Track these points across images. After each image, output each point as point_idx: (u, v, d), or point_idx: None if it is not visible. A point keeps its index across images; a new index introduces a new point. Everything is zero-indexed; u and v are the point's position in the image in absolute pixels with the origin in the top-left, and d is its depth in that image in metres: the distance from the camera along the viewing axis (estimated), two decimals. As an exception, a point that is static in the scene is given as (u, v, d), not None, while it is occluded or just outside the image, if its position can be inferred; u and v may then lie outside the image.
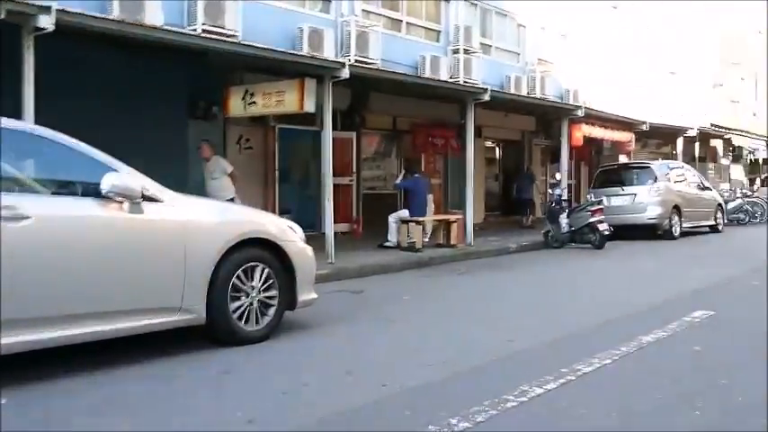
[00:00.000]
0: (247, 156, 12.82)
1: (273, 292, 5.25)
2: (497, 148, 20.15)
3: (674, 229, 14.37)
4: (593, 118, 16.05)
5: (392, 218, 12.13)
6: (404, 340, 5.39)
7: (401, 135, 16.21)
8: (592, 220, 12.50)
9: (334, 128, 13.32)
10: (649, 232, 14.40)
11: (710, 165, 26.51)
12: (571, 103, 15.27)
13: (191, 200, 5.18)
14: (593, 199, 14.76)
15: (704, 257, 11.22)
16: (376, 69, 12.40)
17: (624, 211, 14.08)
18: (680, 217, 14.55)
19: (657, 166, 14.86)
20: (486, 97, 12.60)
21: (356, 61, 12.31)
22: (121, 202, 4.46)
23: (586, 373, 4.29)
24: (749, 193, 20.33)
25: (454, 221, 12.34)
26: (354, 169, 14.83)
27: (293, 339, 5.34)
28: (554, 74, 19.01)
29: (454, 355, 4.79)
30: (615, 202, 14.16)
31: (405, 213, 11.99)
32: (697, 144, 22.31)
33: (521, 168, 19.26)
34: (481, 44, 16.95)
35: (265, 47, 9.86)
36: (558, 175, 14.36)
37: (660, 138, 22.55)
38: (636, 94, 21.01)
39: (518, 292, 8.11)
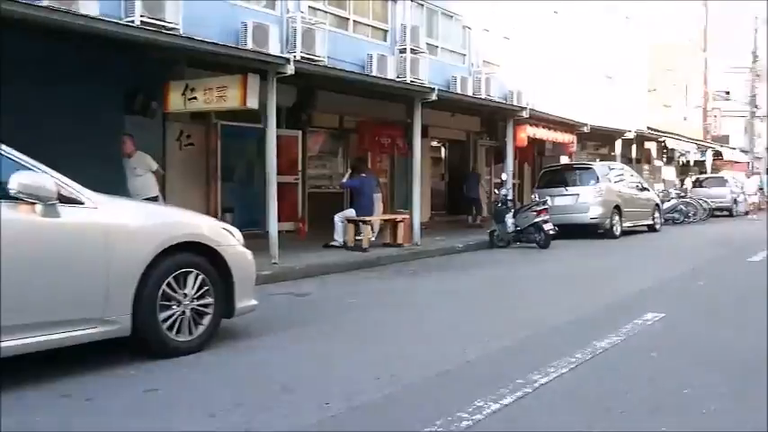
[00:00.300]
0: (188, 153, 12.17)
1: (208, 300, 4.77)
2: (443, 148, 19.93)
3: (614, 228, 14.39)
4: (537, 119, 15.97)
5: (338, 217, 11.70)
6: (349, 351, 4.96)
7: (348, 134, 15.78)
8: (537, 219, 12.34)
9: (279, 126, 12.82)
10: (591, 231, 14.39)
11: (645, 166, 26.99)
12: (515, 104, 15.12)
13: (116, 201, 4.64)
14: (537, 199, 14.66)
15: (646, 257, 11.19)
16: (322, 66, 11.95)
17: (568, 211, 14.02)
18: (620, 217, 14.58)
19: (599, 166, 14.87)
20: (434, 97, 12.29)
21: (302, 58, 11.82)
22: (34, 204, 3.90)
23: (543, 384, 3.96)
24: (682, 193, 20.71)
25: (401, 221, 11.99)
26: (300, 168, 14.32)
27: (230, 351, 4.85)
28: (499, 75, 18.90)
29: (403, 368, 4.39)
30: (559, 201, 14.08)
31: (351, 213, 11.57)
32: (634, 146, 22.61)
33: (468, 168, 19.08)
34: (428, 44, 16.65)
35: (207, 40, 9.27)
36: (503, 176, 14.19)
37: (599, 140, 22.80)
38: (576, 97, 21.13)
39: (468, 294, 7.79)
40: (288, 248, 10.32)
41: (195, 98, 10.03)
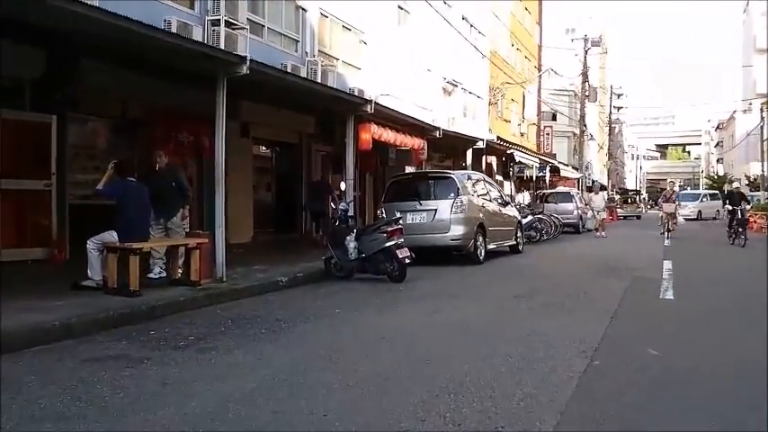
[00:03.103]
0: None
1: None
2: (271, 153, 16.03)
3: (479, 251, 11.41)
4: (384, 118, 12.70)
5: (92, 244, 7.41)
6: None
7: (136, 126, 11.40)
8: (388, 244, 8.92)
9: (18, 106, 9.12)
10: (449, 254, 11.30)
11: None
12: (358, 96, 11.69)
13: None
14: (384, 215, 11.30)
15: (532, 293, 8.11)
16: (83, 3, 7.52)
17: (423, 230, 10.80)
18: (485, 237, 11.64)
19: (459, 176, 11.82)
20: (244, 70, 8.45)
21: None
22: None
23: None
24: (536, 209, 18.52)
25: (195, 247, 7.96)
26: (54, 169, 9.74)
27: None
28: (339, 70, 15.50)
29: None
30: (411, 218, 10.82)
31: (110, 236, 7.34)
32: (484, 157, 20.25)
33: (305, 177, 15.35)
34: (250, 22, 12.82)
35: None
36: (342, 185, 10.67)
37: (445, 150, 20.24)
38: (421, 102, 18.36)
39: (270, 394, 4.01)
40: (17, 290, 6.37)
41: None
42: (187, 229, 8.49)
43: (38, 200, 9.59)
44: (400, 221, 9.30)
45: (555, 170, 29.75)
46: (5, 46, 8.72)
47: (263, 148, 15.65)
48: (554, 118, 44.07)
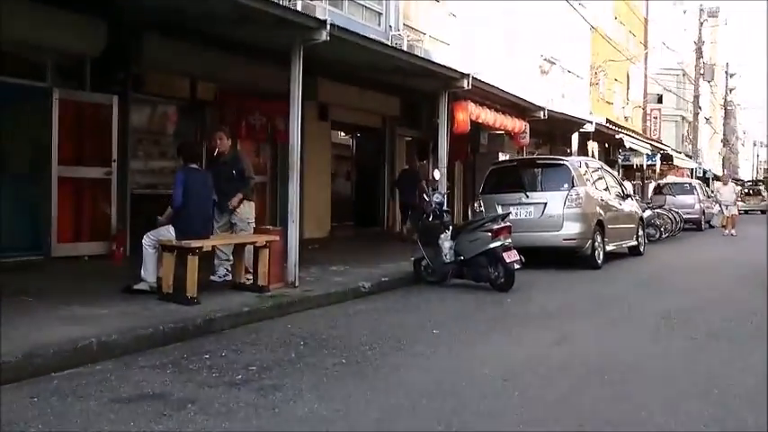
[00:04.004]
0: None
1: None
2: (351, 139, 14.94)
3: (597, 253, 9.86)
4: (482, 95, 11.29)
5: (148, 240, 6.49)
6: None
7: (204, 107, 10.56)
8: (494, 245, 7.57)
9: (80, 86, 8.51)
10: (559, 255, 9.80)
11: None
12: (454, 69, 10.31)
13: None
14: (482, 209, 9.96)
15: (684, 315, 6.54)
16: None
17: (529, 228, 9.38)
18: (603, 236, 10.07)
19: (574, 163, 10.25)
20: (324, 36, 7.27)
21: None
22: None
23: None
24: (656, 203, 16.50)
25: (264, 246, 6.90)
26: (115, 156, 8.98)
27: None
28: (426, 46, 14.20)
29: None
30: (516, 213, 9.39)
31: (168, 232, 6.39)
32: (591, 143, 18.40)
33: (389, 165, 14.18)
34: (326, -6, 11.75)
35: None
36: (435, 173, 9.41)
37: (540, 135, 18.48)
38: (518, 82, 16.74)
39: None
40: (69, 293, 5.77)
41: None
42: (252, 224, 7.43)
43: (97, 189, 8.86)
44: (508, 218, 7.92)
45: (666, 158, 27.25)
46: (62, 16, 8.00)
47: (342, 133, 14.58)
48: (659, 101, 40.99)
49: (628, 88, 32.26)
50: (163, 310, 5.89)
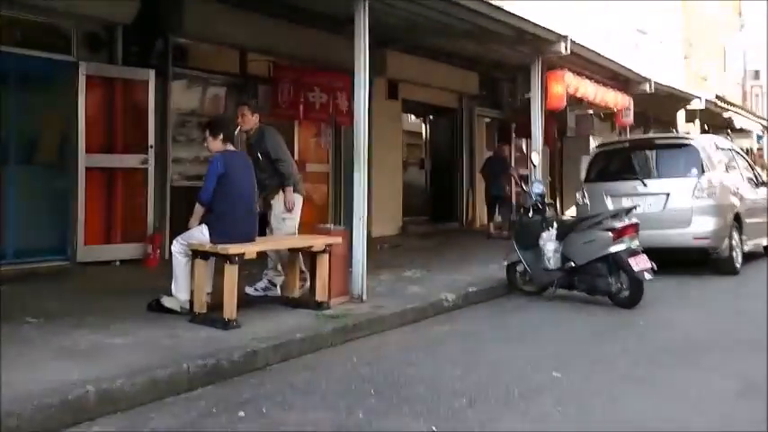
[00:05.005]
0: None
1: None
2: (424, 121, 13.47)
3: (735, 255, 8.07)
4: (581, 65, 9.61)
5: (178, 246, 5.24)
6: None
7: (256, 84, 9.32)
8: (617, 248, 5.97)
9: (110, 59, 7.48)
10: (678, 255, 8.04)
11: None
12: (550, 29, 8.62)
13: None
14: (585, 201, 8.38)
15: None
16: None
17: (648, 224, 7.55)
18: (741, 234, 8.26)
19: (704, 144, 8.43)
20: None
21: None
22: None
23: None
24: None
25: (323, 251, 5.54)
26: (153, 141, 7.82)
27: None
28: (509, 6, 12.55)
29: None
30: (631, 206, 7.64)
31: (201, 234, 5.10)
32: (697, 122, 16.28)
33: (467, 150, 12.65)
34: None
35: None
36: (534, 156, 7.84)
37: (636, 116, 16.37)
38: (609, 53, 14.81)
39: None
40: (66, 309, 5.09)
41: None
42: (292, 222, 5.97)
43: (131, 181, 7.73)
44: (633, 212, 6.28)
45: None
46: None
47: (413, 117, 13.12)
48: (756, 77, 37.67)
49: (724, 63, 29.46)
50: (192, 337, 4.64)
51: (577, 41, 8.91)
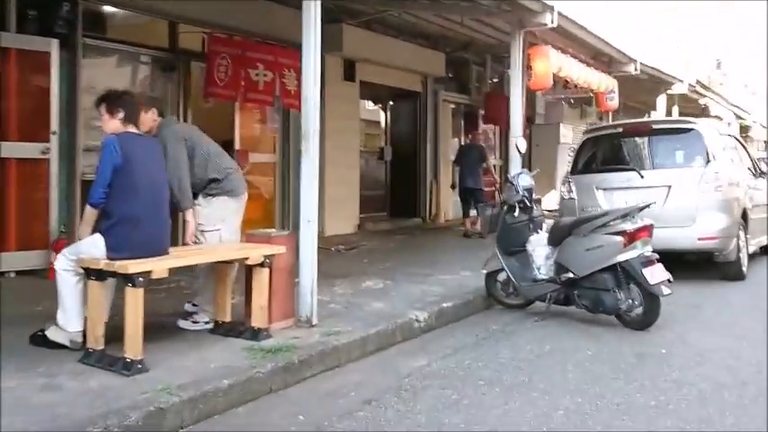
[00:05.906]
0: None
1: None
2: (383, 107, 12.33)
3: (741, 256, 7.17)
4: (564, 42, 8.59)
5: (64, 261, 3.99)
6: None
7: (189, 60, 8.04)
8: (627, 255, 4.94)
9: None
10: (680, 257, 7.11)
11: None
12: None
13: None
14: (572, 196, 7.40)
15: None
16: None
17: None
18: (746, 232, 7.36)
19: (708, 129, 7.46)
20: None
21: None
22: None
23: None
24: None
25: (260, 264, 4.36)
26: (55, 127, 6.49)
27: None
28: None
29: None
30: (625, 201, 6.65)
31: (93, 246, 3.86)
32: (675, 108, 15.52)
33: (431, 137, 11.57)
34: None
35: None
36: (520, 142, 6.80)
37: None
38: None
39: None
40: None
41: None
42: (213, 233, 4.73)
43: (29, 175, 6.39)
44: (644, 212, 5.25)
45: (744, 129, 24.16)
46: None
47: (371, 103, 11.98)
48: (718, 67, 37.62)
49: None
50: (77, 389, 3.44)
51: (564, 14, 7.91)
